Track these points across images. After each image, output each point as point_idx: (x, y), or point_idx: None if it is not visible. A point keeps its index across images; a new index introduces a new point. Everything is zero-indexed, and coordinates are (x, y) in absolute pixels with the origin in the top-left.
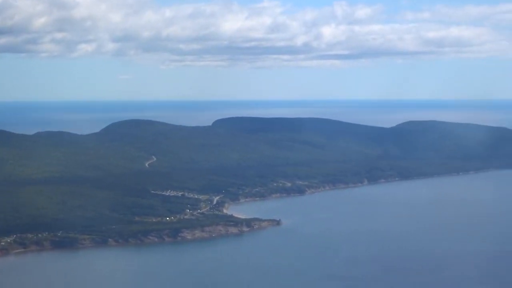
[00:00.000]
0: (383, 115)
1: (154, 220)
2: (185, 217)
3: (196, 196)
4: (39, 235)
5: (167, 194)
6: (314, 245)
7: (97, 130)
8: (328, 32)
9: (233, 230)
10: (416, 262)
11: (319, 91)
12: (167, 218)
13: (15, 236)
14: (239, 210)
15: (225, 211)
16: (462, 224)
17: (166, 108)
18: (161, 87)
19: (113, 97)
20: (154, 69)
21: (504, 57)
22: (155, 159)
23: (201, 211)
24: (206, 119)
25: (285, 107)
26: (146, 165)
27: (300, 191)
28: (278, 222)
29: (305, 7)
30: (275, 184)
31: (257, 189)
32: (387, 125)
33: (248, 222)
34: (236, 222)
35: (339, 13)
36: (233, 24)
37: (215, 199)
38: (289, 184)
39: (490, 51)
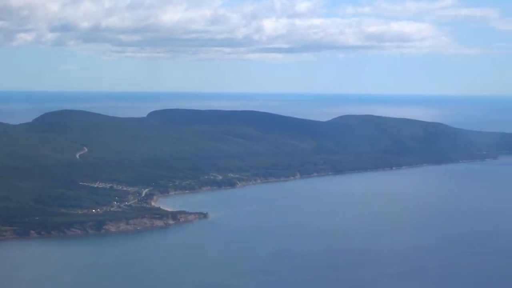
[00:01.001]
0: (323, 108)
1: (80, 212)
2: (112, 209)
3: (125, 188)
4: None
5: (96, 186)
6: (239, 238)
7: (29, 120)
8: (269, 25)
9: (159, 223)
10: (340, 257)
11: (262, 84)
12: (93, 210)
13: None
14: (167, 203)
15: (153, 203)
16: (388, 218)
17: (106, 99)
18: (104, 78)
19: (56, 87)
20: (97, 59)
21: (445, 52)
22: (86, 150)
23: (128, 203)
24: (143, 111)
25: (226, 100)
26: (77, 156)
27: (231, 184)
28: (205, 215)
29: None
30: (206, 177)
31: (187, 182)
32: (325, 119)
33: (174, 215)
34: (162, 215)
35: (279, 6)
36: (172, 15)
37: (144, 191)
38: (220, 177)
39: (431, 46)
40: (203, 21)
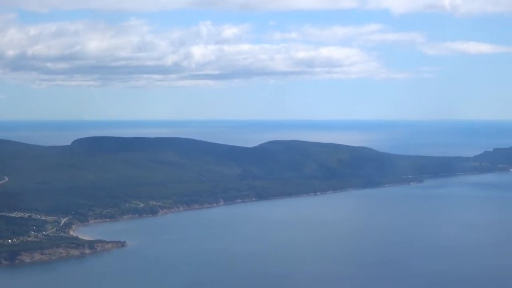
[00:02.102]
0: (252, 134)
1: None
2: (29, 239)
3: (43, 218)
4: None
5: (13, 215)
6: (156, 267)
7: None
8: (197, 51)
9: (75, 252)
10: (258, 284)
11: (194, 111)
12: (9, 241)
13: None
14: (86, 232)
15: (71, 232)
16: (308, 244)
17: (32, 128)
18: (34, 107)
19: None
20: (27, 88)
21: (375, 77)
22: (7, 179)
23: (46, 233)
24: (68, 139)
25: (158, 127)
26: None
27: (153, 212)
28: (123, 244)
29: (172, 26)
30: (127, 205)
31: (108, 210)
32: (252, 144)
33: (91, 244)
34: (78, 244)
35: (206, 32)
36: (99, 42)
37: (63, 220)
38: (141, 205)
39: (360, 71)
40: (130, 47)
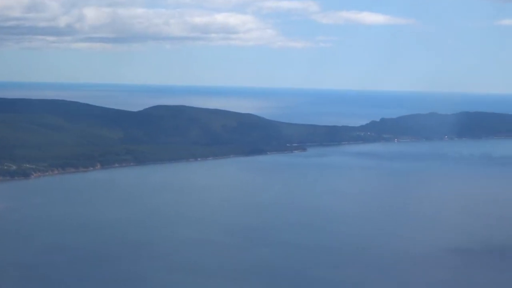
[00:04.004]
0: (146, 99)
1: None
2: None
3: None
4: None
5: None
6: (16, 231)
7: None
8: (91, 14)
9: None
10: (116, 250)
11: (90, 74)
12: None
13: None
14: None
15: None
16: (176, 211)
17: None
18: None
19: None
20: None
21: (272, 45)
22: None
23: None
24: None
25: (51, 90)
26: None
27: (25, 174)
28: None
29: None
30: None
31: None
32: (139, 109)
33: None
34: None
35: None
36: None
37: None
38: (14, 167)
39: (257, 38)
40: (20, 8)
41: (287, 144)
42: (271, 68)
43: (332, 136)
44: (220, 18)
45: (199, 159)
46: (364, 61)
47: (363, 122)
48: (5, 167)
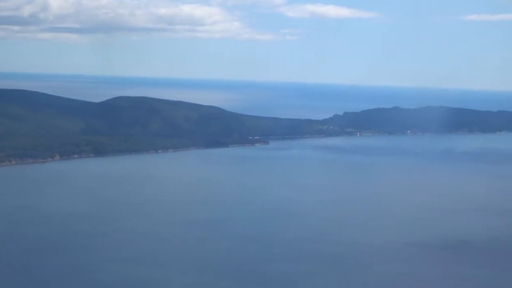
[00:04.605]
0: (109, 90)
1: None
2: None
3: None
4: None
5: None
6: None
7: None
8: (55, 3)
9: None
10: (68, 241)
11: (56, 64)
12: None
13: None
14: None
15: None
16: (132, 203)
17: None
18: None
19: None
20: None
21: (238, 38)
22: None
23: None
24: None
25: (16, 80)
26: None
27: None
28: None
29: None
30: None
31: None
32: (101, 100)
33: None
34: None
35: None
36: None
37: None
38: None
39: (223, 31)
40: None
41: (249, 137)
42: (238, 61)
43: (294, 129)
44: (186, 9)
45: (159, 151)
46: (330, 54)
47: (327, 115)
48: None
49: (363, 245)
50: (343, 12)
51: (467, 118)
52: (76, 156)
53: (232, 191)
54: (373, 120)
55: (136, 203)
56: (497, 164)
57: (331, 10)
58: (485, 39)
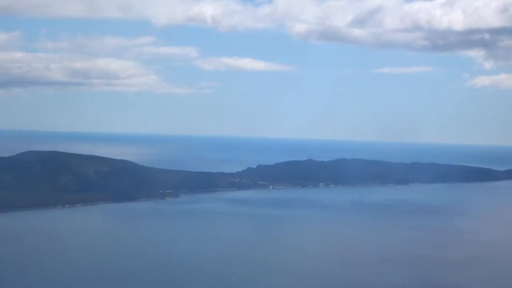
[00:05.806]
0: (21, 145)
1: None
2: None
3: None
4: None
5: None
6: None
7: None
8: None
9: None
10: None
11: None
12: None
13: None
14: None
15: None
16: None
17: None
18: None
19: None
20: None
21: (155, 91)
22: None
23: None
24: None
25: None
26: None
27: None
28: None
29: None
30: None
31: None
32: (9, 155)
33: None
34: None
35: None
36: None
37: None
38: None
39: (140, 84)
40: None
41: (160, 191)
42: (155, 115)
43: (206, 182)
44: (101, 63)
45: (66, 205)
46: (246, 107)
47: (241, 168)
48: None
49: None
50: (258, 65)
51: (380, 170)
52: None
53: (130, 246)
54: (286, 172)
55: (29, 260)
56: (403, 215)
57: (247, 64)
58: (399, 91)
